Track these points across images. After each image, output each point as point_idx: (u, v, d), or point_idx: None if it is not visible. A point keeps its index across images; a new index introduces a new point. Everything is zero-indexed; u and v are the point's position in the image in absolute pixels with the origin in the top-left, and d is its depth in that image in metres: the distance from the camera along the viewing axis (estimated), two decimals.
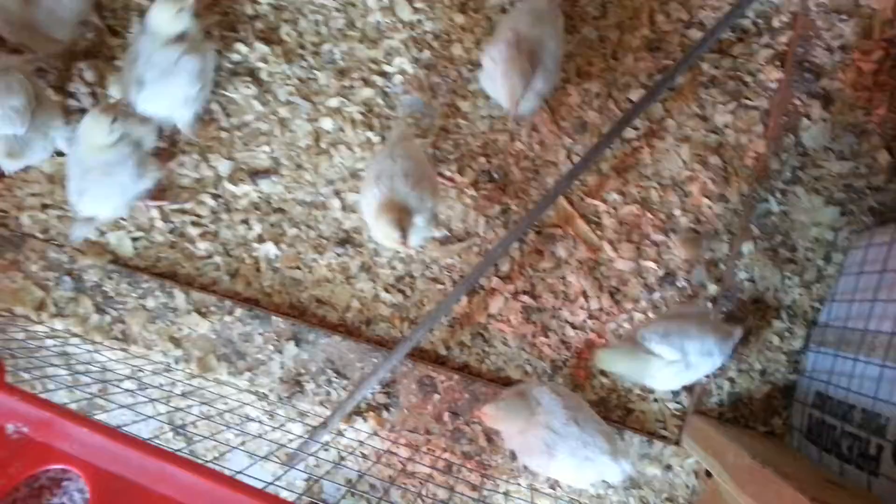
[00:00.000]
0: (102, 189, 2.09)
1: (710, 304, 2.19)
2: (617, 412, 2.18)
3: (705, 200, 2.23)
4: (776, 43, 2.27)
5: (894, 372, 1.57)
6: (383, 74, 2.35)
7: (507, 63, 1.93)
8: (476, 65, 2.32)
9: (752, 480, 1.59)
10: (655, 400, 2.17)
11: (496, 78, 1.97)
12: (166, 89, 2.12)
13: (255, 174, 2.34)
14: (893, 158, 2.12)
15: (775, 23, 2.28)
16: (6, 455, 1.08)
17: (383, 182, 1.87)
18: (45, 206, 2.36)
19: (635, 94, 2.28)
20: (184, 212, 2.34)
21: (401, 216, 1.81)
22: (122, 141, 2.06)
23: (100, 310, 2.30)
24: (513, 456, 2.17)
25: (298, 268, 2.31)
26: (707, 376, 2.12)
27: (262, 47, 2.36)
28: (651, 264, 2.22)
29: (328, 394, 2.24)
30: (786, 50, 2.26)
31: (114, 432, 1.10)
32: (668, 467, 2.17)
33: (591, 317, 2.22)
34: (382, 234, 1.85)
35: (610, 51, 2.31)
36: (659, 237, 2.23)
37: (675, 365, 1.90)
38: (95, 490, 1.05)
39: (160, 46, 2.08)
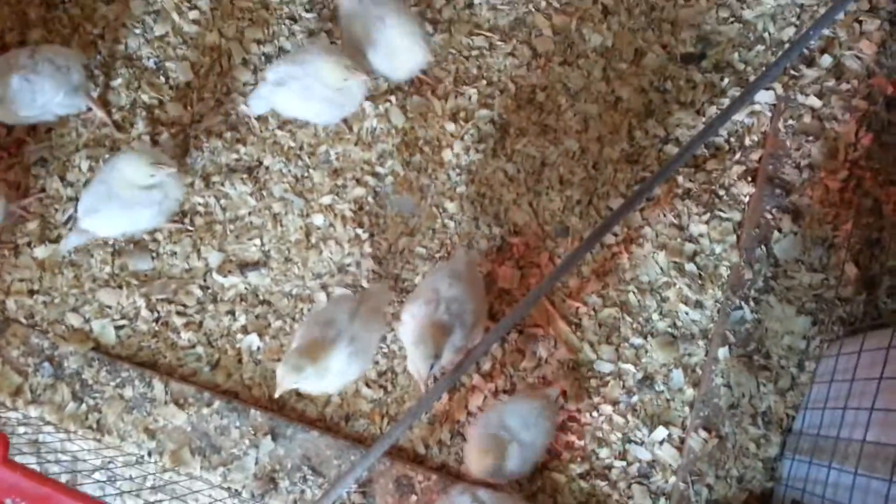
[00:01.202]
0: (114, 217, 2.20)
1: (687, 409, 2.20)
2: None
3: (682, 306, 2.29)
4: (748, 160, 2.40)
5: (867, 480, 1.58)
6: (375, 175, 2.45)
7: (417, 337, 1.96)
8: (463, 169, 2.44)
9: None
10: None
11: (409, 341, 2.01)
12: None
13: (245, 266, 2.39)
14: (861, 272, 2.21)
15: (747, 141, 2.43)
16: None
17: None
18: (31, 292, 2.38)
19: (615, 203, 2.38)
20: (170, 301, 2.37)
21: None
22: (155, 188, 2.17)
23: (77, 398, 2.28)
24: None
25: (280, 360, 2.31)
26: (685, 483, 2.11)
27: (260, 144, 2.47)
28: (630, 366, 2.25)
29: (302, 492, 2.19)
30: (757, 167, 2.39)
31: None
32: None
33: (570, 418, 2.22)
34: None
35: (591, 161, 2.44)
36: (637, 340, 2.27)
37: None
38: None
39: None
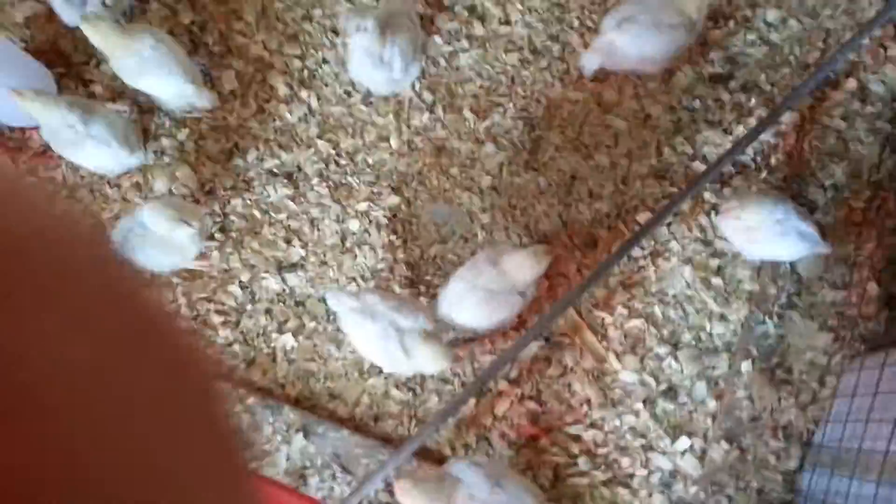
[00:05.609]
0: None
1: (709, 421, 2.25)
2: None
3: (706, 319, 2.34)
4: (773, 178, 2.46)
5: (889, 490, 1.63)
6: (410, 184, 2.53)
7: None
8: (496, 181, 2.51)
9: None
10: None
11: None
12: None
13: (282, 268, 2.47)
14: (882, 290, 2.26)
15: (773, 160, 2.48)
16: None
17: None
18: None
19: (642, 217, 2.44)
20: (210, 300, 2.45)
21: None
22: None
23: None
24: None
25: (314, 360, 2.40)
26: (705, 493, 2.16)
27: (300, 152, 2.56)
28: (653, 378, 2.31)
29: (332, 489, 2.26)
30: (782, 185, 2.45)
31: None
32: None
33: (593, 425, 2.28)
34: None
35: (620, 176, 2.51)
36: (662, 351, 2.33)
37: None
38: None
39: None
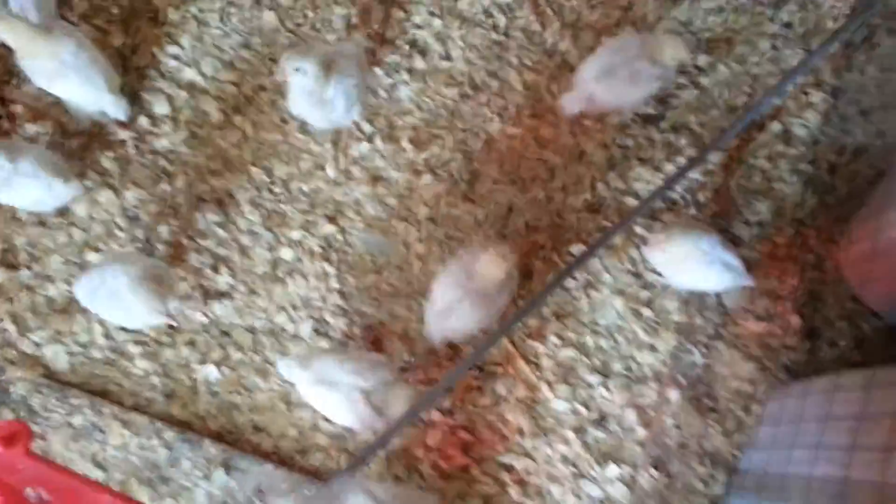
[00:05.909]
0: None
1: (638, 448, 2.25)
2: None
3: (636, 349, 2.36)
4: (701, 214, 2.52)
5: None
6: (345, 213, 2.50)
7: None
8: (433, 212, 2.50)
9: None
10: None
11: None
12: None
13: (208, 296, 2.39)
14: (804, 323, 2.32)
15: (700, 197, 2.55)
16: None
17: None
18: None
19: (576, 249, 2.47)
20: (128, 330, 2.34)
21: None
22: None
23: None
24: None
25: (238, 392, 2.31)
26: None
27: (233, 178, 2.51)
28: (585, 406, 2.29)
29: None
30: (709, 221, 2.51)
31: None
32: None
33: (525, 454, 2.24)
34: None
35: (555, 209, 2.53)
36: (593, 380, 2.32)
37: None
38: None
39: None
